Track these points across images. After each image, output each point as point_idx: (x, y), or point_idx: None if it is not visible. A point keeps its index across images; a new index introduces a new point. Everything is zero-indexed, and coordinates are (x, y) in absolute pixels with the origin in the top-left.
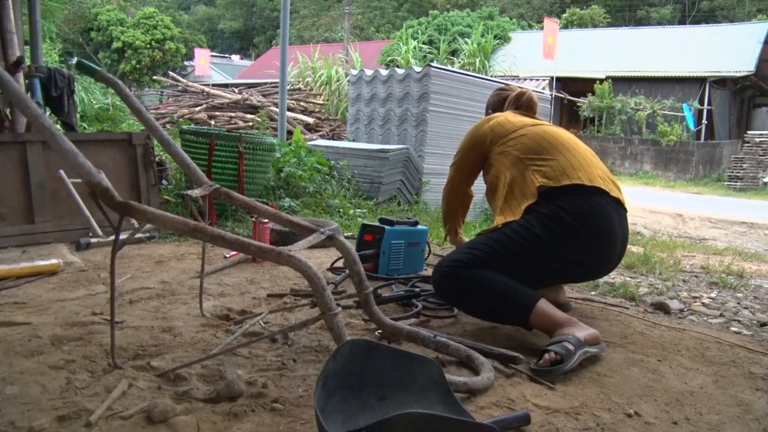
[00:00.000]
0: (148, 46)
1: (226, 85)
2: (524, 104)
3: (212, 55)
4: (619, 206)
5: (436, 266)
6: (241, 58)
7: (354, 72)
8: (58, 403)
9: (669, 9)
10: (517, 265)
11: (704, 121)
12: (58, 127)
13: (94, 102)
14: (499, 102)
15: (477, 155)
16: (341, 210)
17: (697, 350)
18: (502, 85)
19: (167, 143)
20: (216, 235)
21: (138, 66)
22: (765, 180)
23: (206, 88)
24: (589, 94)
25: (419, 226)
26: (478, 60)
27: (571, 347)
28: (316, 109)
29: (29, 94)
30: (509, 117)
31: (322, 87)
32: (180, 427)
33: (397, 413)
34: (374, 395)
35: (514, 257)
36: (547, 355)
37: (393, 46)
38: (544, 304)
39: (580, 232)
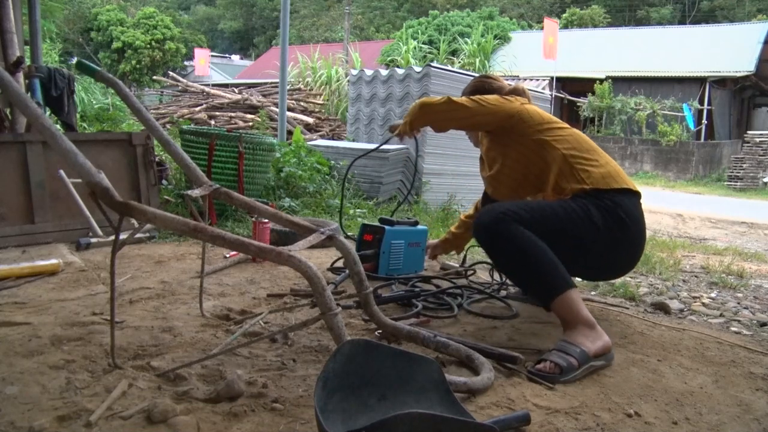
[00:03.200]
0: (148, 46)
1: (226, 85)
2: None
3: (212, 55)
4: None
5: (487, 208)
6: (241, 58)
7: (354, 72)
8: (58, 403)
9: (669, 9)
10: (566, 243)
11: (704, 121)
12: (58, 127)
13: (94, 102)
14: (483, 91)
15: (499, 124)
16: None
17: (697, 350)
18: (487, 74)
19: (167, 143)
20: (216, 235)
21: (138, 66)
22: (765, 180)
23: (206, 88)
24: (589, 94)
25: (419, 226)
26: (478, 60)
27: (575, 363)
28: (316, 109)
29: (29, 94)
30: (536, 108)
31: (322, 87)
32: (180, 427)
33: (397, 413)
34: (374, 395)
35: (566, 234)
36: (547, 365)
37: (393, 46)
38: (574, 294)
39: (629, 230)
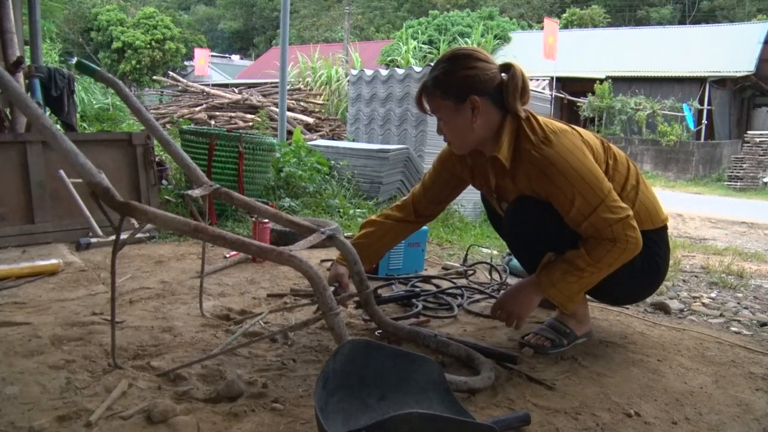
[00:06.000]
0: (148, 46)
1: (226, 85)
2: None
3: (212, 55)
4: None
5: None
6: (241, 58)
7: (354, 72)
8: (58, 403)
9: (669, 9)
10: None
11: (704, 121)
12: (58, 127)
13: (94, 102)
14: (487, 81)
15: None
16: (341, 210)
17: (697, 350)
18: (465, 53)
19: (167, 143)
20: (216, 235)
21: (138, 66)
22: (765, 180)
23: (206, 88)
24: (589, 94)
25: None
26: None
27: (565, 342)
28: (316, 109)
29: (29, 94)
30: (596, 148)
31: (322, 87)
32: (180, 427)
33: (397, 413)
34: (374, 395)
35: None
36: (539, 338)
37: (393, 46)
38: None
39: (658, 280)
